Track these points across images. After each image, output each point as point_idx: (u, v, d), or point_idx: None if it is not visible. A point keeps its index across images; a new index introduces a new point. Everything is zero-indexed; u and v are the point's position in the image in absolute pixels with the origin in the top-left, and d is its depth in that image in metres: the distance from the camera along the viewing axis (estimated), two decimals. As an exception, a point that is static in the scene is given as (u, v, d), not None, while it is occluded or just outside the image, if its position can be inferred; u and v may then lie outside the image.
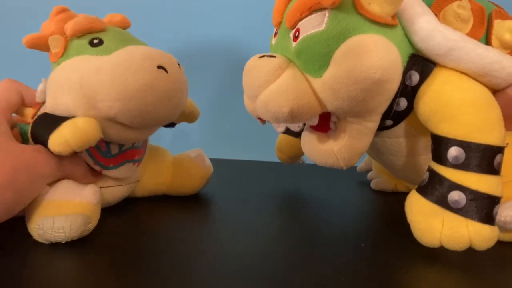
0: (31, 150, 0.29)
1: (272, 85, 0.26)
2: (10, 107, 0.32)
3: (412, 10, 0.27)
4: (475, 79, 0.27)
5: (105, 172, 0.34)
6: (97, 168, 0.33)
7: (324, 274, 0.26)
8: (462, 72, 0.27)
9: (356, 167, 0.51)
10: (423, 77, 0.28)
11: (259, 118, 0.31)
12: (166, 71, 0.31)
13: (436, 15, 0.27)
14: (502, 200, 0.26)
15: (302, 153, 0.44)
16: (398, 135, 0.31)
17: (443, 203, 0.26)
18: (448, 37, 0.26)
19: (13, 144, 0.29)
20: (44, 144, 0.29)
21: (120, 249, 0.29)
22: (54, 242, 0.28)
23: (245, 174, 0.41)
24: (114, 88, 0.29)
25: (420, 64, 0.28)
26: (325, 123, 0.29)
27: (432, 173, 0.27)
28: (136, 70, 0.29)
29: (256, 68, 0.27)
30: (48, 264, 0.27)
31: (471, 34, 0.27)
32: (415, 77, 0.28)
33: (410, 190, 0.44)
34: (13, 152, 0.28)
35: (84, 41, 0.32)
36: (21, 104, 0.34)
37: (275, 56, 0.27)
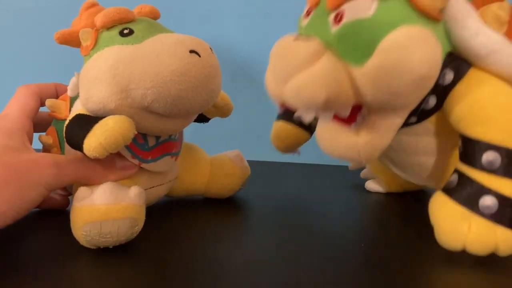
0: (27, 161, 0.28)
1: (309, 70, 0.24)
2: (27, 113, 0.34)
3: (459, 7, 0.26)
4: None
5: (144, 165, 0.32)
6: (135, 161, 0.32)
7: (324, 273, 0.26)
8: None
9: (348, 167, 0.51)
10: (458, 77, 0.27)
11: (282, 105, 0.29)
12: (199, 56, 0.30)
13: None
14: None
15: (300, 144, 0.43)
16: (417, 133, 0.30)
17: (473, 206, 0.25)
18: (492, 39, 0.26)
19: (9, 155, 0.28)
20: (80, 149, 0.28)
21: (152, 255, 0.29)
22: (102, 247, 0.28)
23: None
24: (147, 76, 0.28)
25: (456, 63, 0.27)
26: (352, 116, 0.27)
27: (462, 176, 0.26)
28: (168, 56, 0.28)
29: (292, 50, 0.25)
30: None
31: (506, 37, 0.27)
32: (449, 76, 0.27)
33: (404, 189, 0.44)
34: (5, 164, 0.27)
35: (114, 32, 0.31)
36: (39, 106, 0.35)
37: (310, 39, 0.25)
